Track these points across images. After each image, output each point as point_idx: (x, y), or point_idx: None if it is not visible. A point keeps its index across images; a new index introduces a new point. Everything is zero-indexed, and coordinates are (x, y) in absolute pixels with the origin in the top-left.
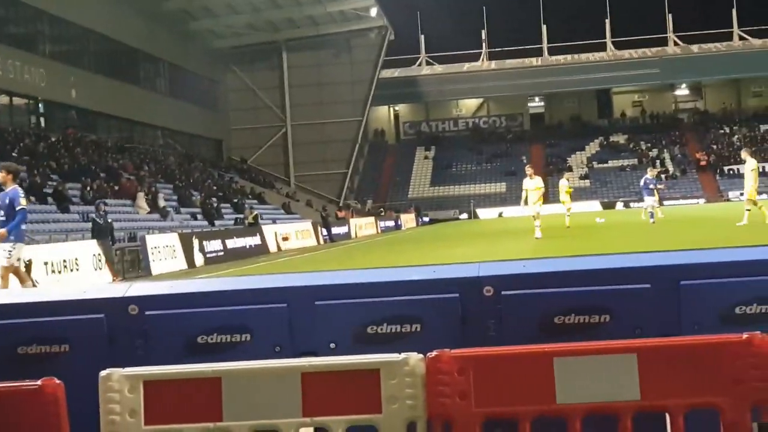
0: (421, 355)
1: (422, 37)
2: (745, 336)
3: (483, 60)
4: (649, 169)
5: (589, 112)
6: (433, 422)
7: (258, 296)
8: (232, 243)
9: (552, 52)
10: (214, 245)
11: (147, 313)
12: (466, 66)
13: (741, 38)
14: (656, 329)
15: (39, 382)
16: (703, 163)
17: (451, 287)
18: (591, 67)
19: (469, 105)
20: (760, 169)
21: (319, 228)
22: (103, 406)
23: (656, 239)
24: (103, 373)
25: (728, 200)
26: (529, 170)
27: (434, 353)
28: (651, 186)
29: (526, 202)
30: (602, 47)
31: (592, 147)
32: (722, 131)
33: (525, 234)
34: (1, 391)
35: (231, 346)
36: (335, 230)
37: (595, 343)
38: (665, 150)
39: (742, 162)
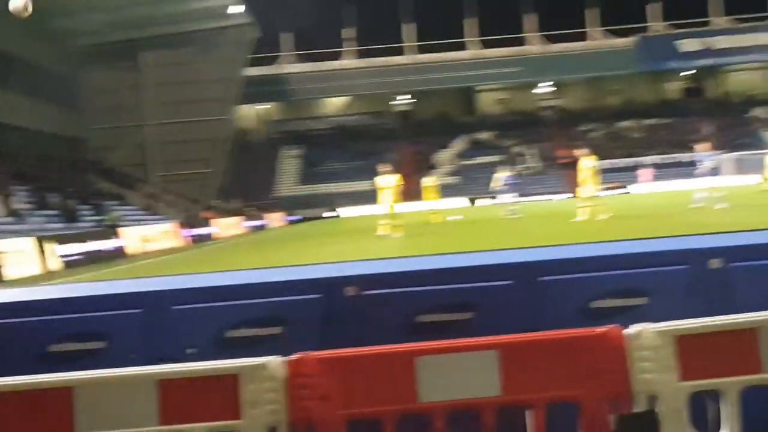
0: (281, 359)
1: (287, 34)
2: (601, 330)
3: (348, 58)
4: (500, 168)
5: (455, 109)
6: (295, 426)
7: (113, 302)
8: (91, 246)
9: (417, 50)
10: (71, 248)
11: None
12: (332, 64)
13: (600, 37)
14: (519, 324)
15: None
16: (565, 161)
17: (315, 288)
18: (456, 65)
19: (336, 103)
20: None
21: (183, 229)
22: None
23: (517, 236)
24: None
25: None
26: (384, 168)
27: (295, 356)
28: (508, 183)
29: (381, 200)
30: (466, 46)
31: (459, 144)
32: (583, 128)
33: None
34: None
35: (85, 354)
36: (200, 231)
37: (457, 341)
38: (530, 147)
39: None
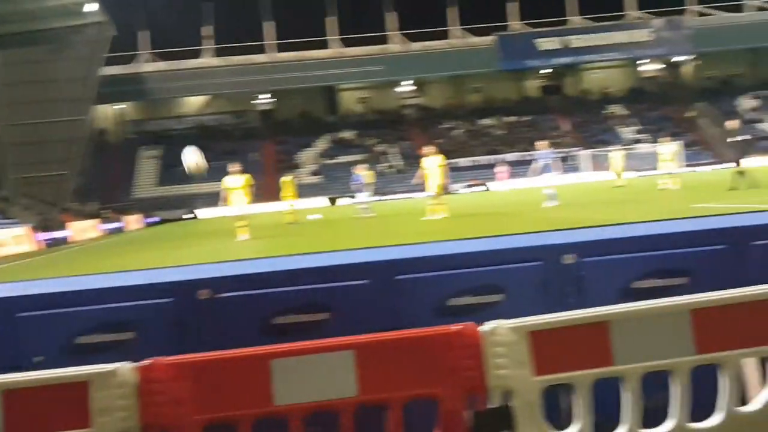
0: (132, 365)
1: (144, 32)
2: (456, 327)
3: (207, 56)
4: (358, 167)
5: (318, 108)
6: None
7: None
8: None
9: (278, 48)
10: None
11: None
12: (190, 62)
13: (460, 36)
14: (376, 324)
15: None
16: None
17: (167, 292)
18: (317, 64)
19: (194, 102)
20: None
21: (36, 233)
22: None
23: (374, 234)
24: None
25: (451, 192)
26: (232, 168)
27: (147, 362)
28: (359, 182)
29: (226, 202)
30: (327, 44)
31: (322, 143)
32: (445, 126)
33: (264, 230)
34: None
35: None
36: (56, 234)
37: (312, 342)
38: (392, 145)
39: (459, 156)
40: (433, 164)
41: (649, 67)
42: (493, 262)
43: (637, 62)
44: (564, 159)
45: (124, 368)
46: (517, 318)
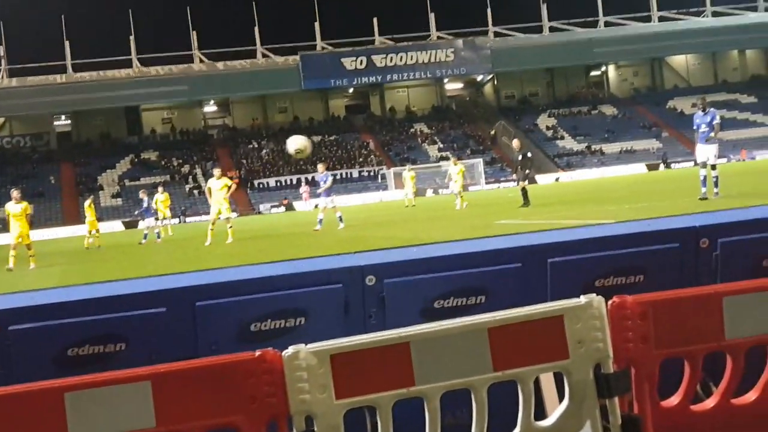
0: None
1: None
2: (257, 353)
3: (2, 77)
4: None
5: (119, 129)
6: None
7: None
8: None
9: (77, 68)
10: None
11: None
12: None
13: (264, 56)
14: (172, 353)
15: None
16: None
17: None
18: (118, 84)
19: None
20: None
21: None
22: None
23: (172, 259)
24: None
25: (260, 213)
26: (14, 194)
27: None
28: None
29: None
30: (129, 64)
31: (123, 165)
32: (251, 146)
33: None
34: None
35: None
36: None
37: (108, 374)
38: (197, 165)
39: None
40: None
41: (451, 86)
42: (294, 285)
43: (440, 81)
44: (375, 177)
45: None
46: (319, 342)
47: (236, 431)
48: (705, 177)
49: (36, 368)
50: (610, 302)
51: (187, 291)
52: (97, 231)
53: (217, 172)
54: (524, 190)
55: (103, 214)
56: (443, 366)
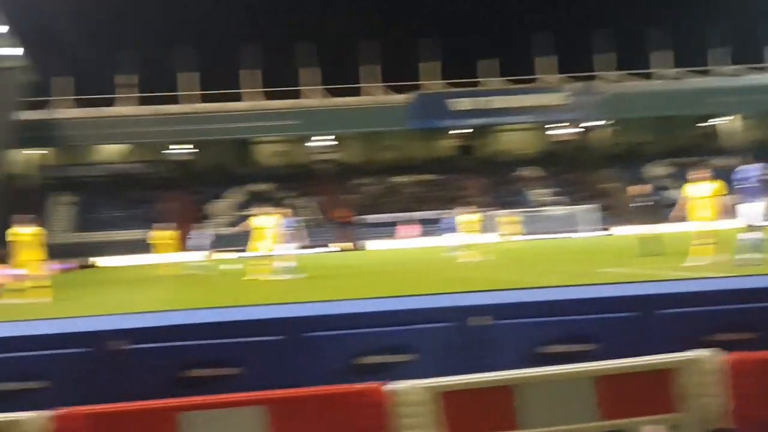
0: (46, 413)
1: (63, 79)
2: (360, 386)
3: (125, 105)
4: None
5: (233, 160)
6: None
7: None
8: None
9: (196, 99)
10: None
11: None
12: (107, 110)
13: (379, 93)
14: (287, 380)
15: None
16: (344, 220)
17: (79, 342)
18: (234, 116)
19: (110, 150)
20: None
21: None
22: None
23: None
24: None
25: (361, 249)
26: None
27: (62, 411)
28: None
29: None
30: (246, 97)
31: (236, 195)
32: (359, 182)
33: (158, 282)
34: None
35: None
36: None
37: (223, 397)
38: (306, 199)
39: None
40: (268, 223)
41: (560, 131)
42: (403, 322)
43: (548, 126)
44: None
45: (35, 418)
46: (426, 378)
47: None
48: None
49: (153, 387)
50: (729, 357)
51: (298, 321)
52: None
53: (267, 209)
54: (646, 238)
55: (216, 243)
56: (547, 411)
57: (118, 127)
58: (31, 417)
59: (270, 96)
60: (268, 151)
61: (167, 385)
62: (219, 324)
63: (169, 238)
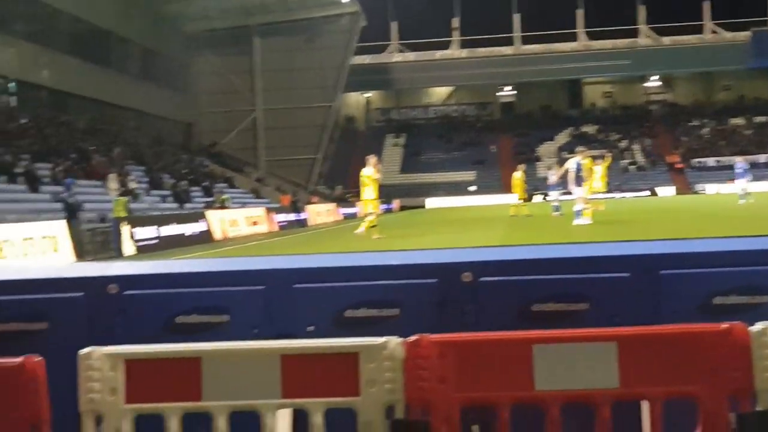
0: (399, 339)
1: (394, 23)
2: (724, 325)
3: (454, 48)
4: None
5: (560, 102)
6: (411, 406)
7: (238, 278)
8: (170, 230)
9: (524, 41)
10: (146, 232)
11: (126, 292)
12: (438, 54)
13: (712, 31)
14: (634, 318)
15: (20, 359)
16: (678, 165)
17: (430, 273)
18: (562, 57)
19: (439, 93)
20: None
21: (274, 215)
22: (83, 385)
23: (635, 230)
24: (82, 351)
25: (696, 192)
26: (371, 159)
27: (413, 338)
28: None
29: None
30: (574, 37)
31: (562, 137)
32: (692, 124)
33: (494, 221)
34: None
35: (209, 326)
36: (290, 217)
37: (575, 331)
38: (635, 141)
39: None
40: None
41: None
42: (761, 262)
43: None
44: None
45: (393, 342)
46: None
47: (695, 401)
48: None
49: (502, 319)
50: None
51: (650, 258)
52: (525, 200)
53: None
54: None
55: (539, 186)
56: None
57: (448, 70)
58: (388, 341)
59: (600, 36)
60: (596, 93)
61: (514, 318)
62: (563, 259)
63: (518, 180)
